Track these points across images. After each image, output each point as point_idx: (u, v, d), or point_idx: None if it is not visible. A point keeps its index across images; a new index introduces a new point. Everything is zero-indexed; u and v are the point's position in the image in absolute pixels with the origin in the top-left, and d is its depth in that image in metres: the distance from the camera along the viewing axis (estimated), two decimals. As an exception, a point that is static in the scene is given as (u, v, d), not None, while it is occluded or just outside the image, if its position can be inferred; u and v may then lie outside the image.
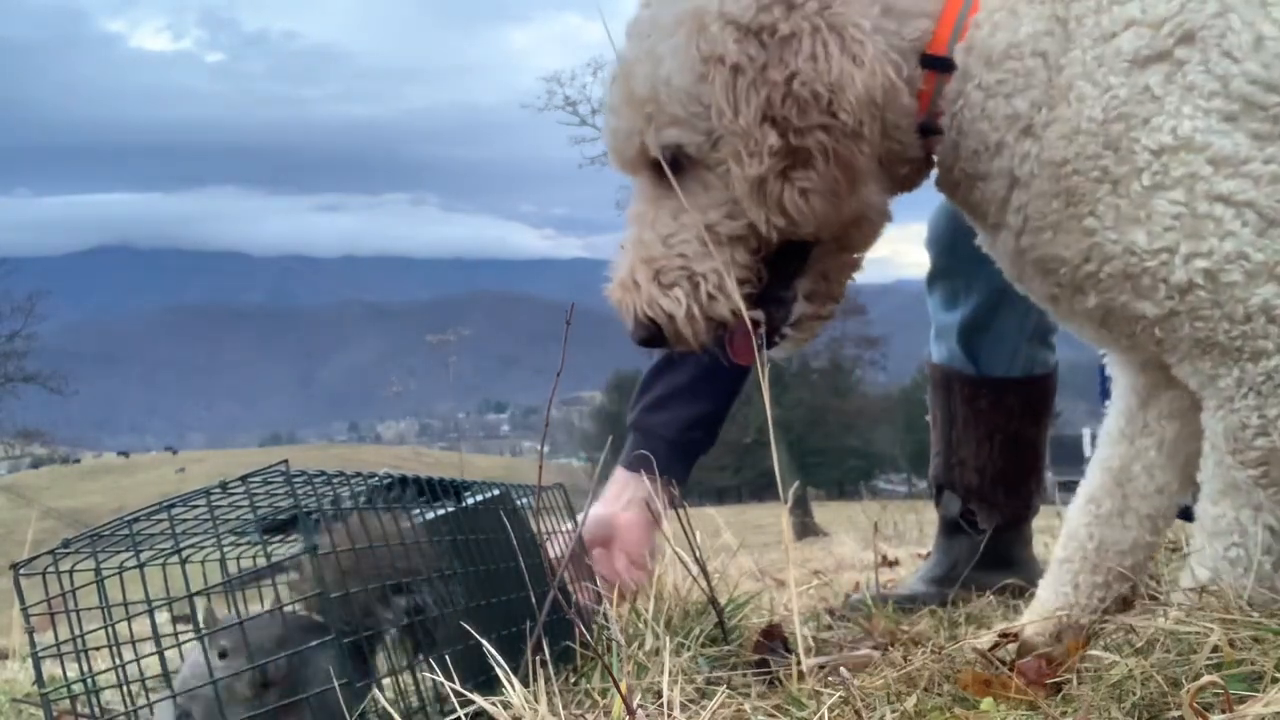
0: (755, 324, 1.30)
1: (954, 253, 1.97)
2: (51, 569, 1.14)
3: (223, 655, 1.07)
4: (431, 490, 1.34)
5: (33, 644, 1.16)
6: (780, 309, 1.34)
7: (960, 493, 2.09)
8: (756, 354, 1.32)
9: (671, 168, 1.29)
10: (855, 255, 1.35)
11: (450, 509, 1.33)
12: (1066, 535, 1.48)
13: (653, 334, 1.31)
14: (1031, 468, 2.08)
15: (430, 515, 1.31)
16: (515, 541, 1.34)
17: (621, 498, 1.73)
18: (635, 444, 1.78)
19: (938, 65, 1.26)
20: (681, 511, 1.65)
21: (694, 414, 1.79)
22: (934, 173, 1.37)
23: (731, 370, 1.78)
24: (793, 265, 1.33)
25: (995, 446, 2.05)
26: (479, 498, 1.40)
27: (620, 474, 1.80)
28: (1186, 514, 1.43)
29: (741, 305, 1.27)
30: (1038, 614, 1.44)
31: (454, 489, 1.39)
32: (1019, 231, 1.27)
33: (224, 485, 1.11)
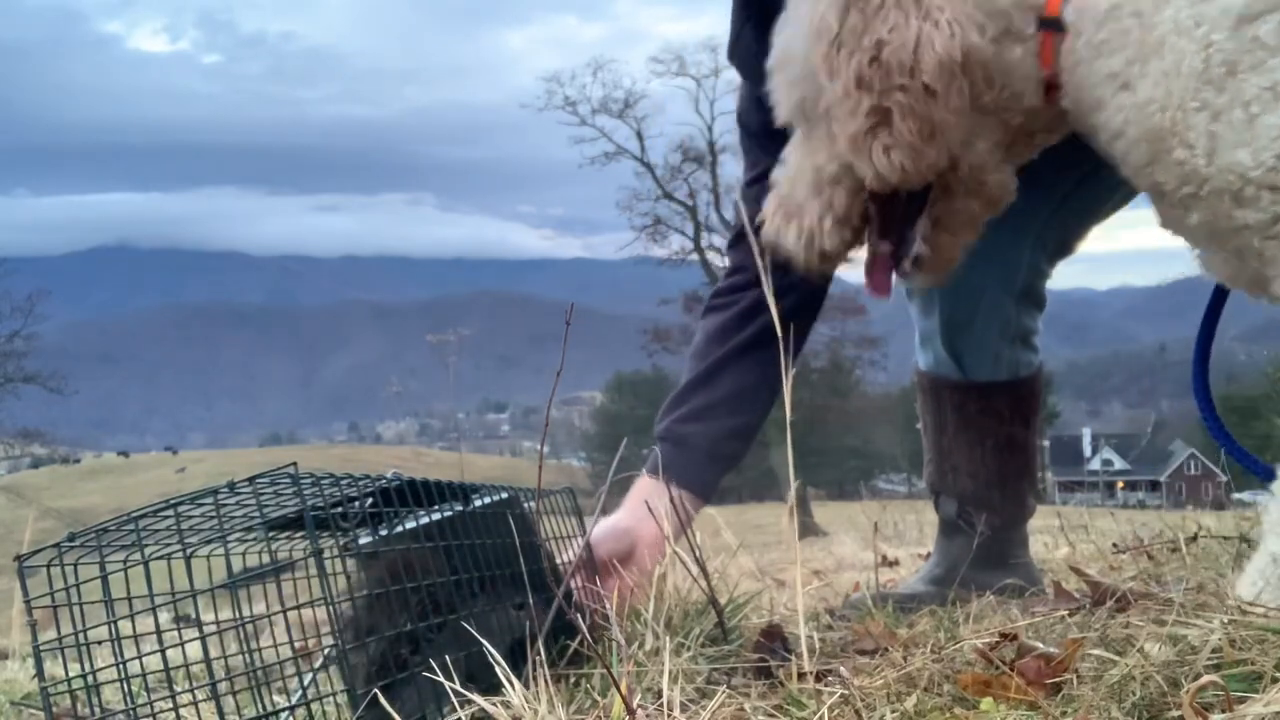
0: (884, 255, 1.51)
1: None
2: (56, 563, 1.14)
3: None
4: (440, 493, 1.34)
5: (34, 638, 1.16)
6: (903, 246, 1.51)
7: (955, 498, 2.08)
8: (890, 283, 1.54)
9: (804, 118, 1.48)
10: (970, 206, 1.49)
11: (450, 513, 1.33)
12: (1273, 524, 1.35)
13: (782, 259, 1.55)
14: (1024, 469, 2.08)
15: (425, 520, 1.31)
16: (518, 544, 1.34)
17: (643, 508, 1.70)
18: (667, 453, 1.75)
19: (1050, 25, 1.37)
20: (682, 513, 1.65)
21: (732, 426, 1.79)
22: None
23: (767, 386, 1.83)
24: (912, 207, 1.49)
25: (987, 451, 2.04)
26: (485, 500, 1.40)
27: (645, 483, 1.76)
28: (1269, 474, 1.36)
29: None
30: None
31: (462, 492, 1.38)
32: (1132, 175, 1.33)
33: (232, 486, 1.11)
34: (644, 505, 1.69)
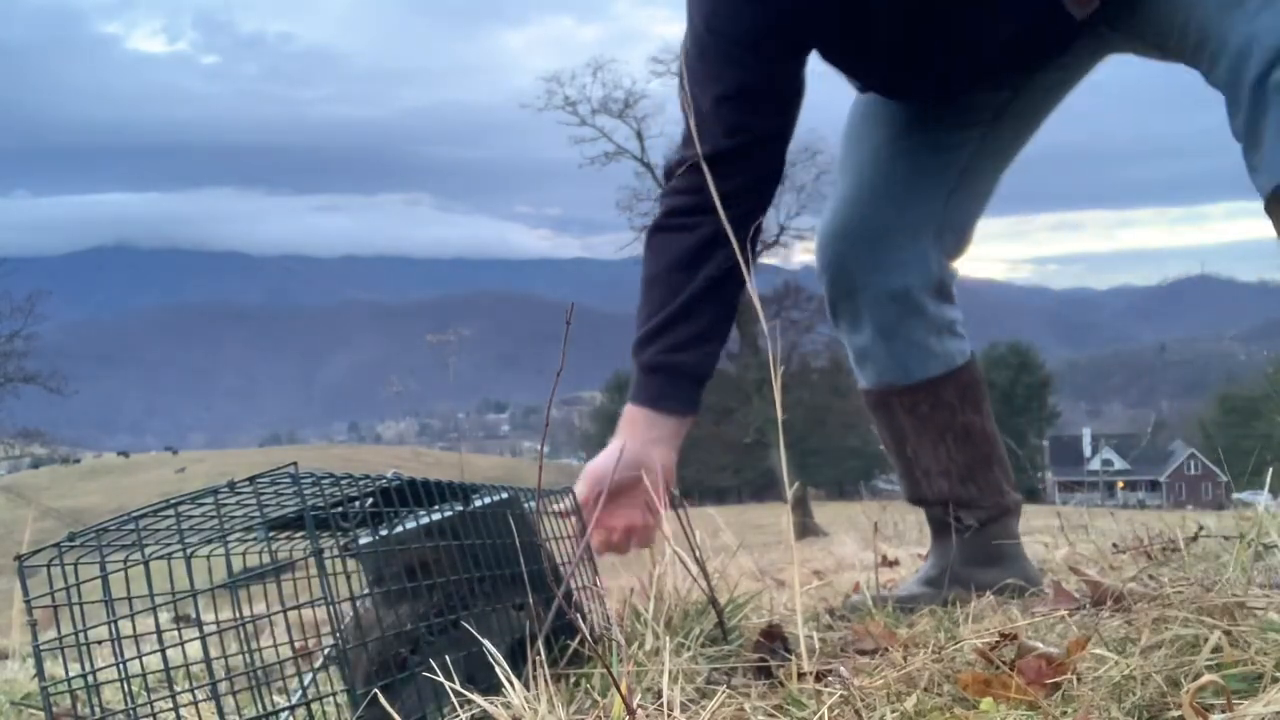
0: None
1: (847, 275, 1.99)
2: (56, 563, 1.14)
3: None
4: (440, 493, 1.34)
5: (34, 638, 1.16)
6: None
7: (936, 502, 2.09)
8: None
9: None
10: None
11: (451, 512, 1.33)
12: None
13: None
14: (991, 457, 2.08)
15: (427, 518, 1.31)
16: (519, 544, 1.34)
17: (648, 435, 1.76)
18: (662, 382, 1.79)
19: None
20: (681, 511, 1.65)
21: (711, 350, 1.85)
22: None
23: (732, 313, 1.86)
24: None
25: (949, 446, 2.06)
26: (486, 500, 1.40)
27: (642, 412, 1.79)
28: None
29: None
30: None
31: (462, 492, 1.38)
32: None
33: (232, 486, 1.11)
34: (643, 430, 1.76)
